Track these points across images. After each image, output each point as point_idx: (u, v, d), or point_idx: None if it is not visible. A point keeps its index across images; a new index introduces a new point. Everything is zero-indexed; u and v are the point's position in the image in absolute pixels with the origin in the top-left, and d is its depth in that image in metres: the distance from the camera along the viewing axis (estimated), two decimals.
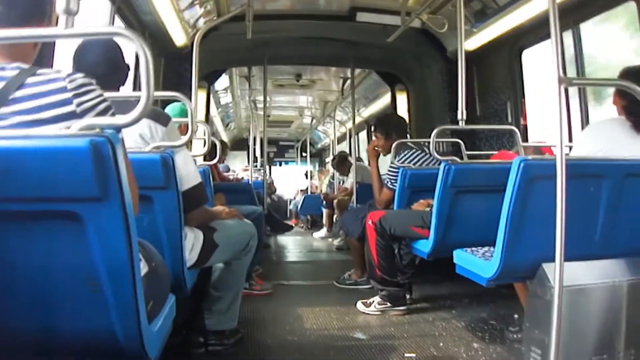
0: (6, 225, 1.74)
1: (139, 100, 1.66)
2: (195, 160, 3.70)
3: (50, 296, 1.82)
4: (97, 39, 3.07)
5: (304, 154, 19.16)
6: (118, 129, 1.76)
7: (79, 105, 1.82)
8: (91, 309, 1.82)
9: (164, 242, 2.92)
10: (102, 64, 3.04)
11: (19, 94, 1.79)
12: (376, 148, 5.81)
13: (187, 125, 4.00)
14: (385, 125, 5.79)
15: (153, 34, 6.11)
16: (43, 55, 3.01)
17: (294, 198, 17.38)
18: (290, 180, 21.49)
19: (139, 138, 3.11)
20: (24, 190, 1.67)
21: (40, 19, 2.00)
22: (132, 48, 1.67)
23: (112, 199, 1.67)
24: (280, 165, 24.54)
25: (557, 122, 2.74)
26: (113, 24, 5.07)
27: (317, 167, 22.70)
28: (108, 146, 1.62)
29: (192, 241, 3.31)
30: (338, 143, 16.25)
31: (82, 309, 1.83)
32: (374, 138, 5.94)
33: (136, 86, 5.53)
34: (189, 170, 3.26)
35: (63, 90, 1.83)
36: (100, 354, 1.96)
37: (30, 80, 1.82)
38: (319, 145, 22.92)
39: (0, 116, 1.77)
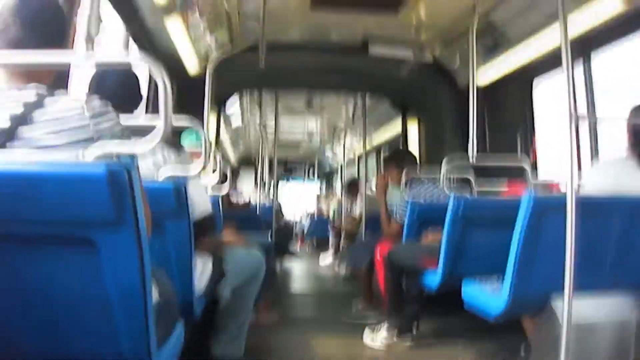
0: (21, 248, 1.74)
1: (151, 127, 1.68)
2: (206, 189, 3.72)
3: (61, 319, 1.83)
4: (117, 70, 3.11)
5: (311, 176, 19.14)
6: (134, 155, 1.77)
7: (96, 131, 1.83)
8: (102, 333, 1.83)
9: (175, 269, 2.93)
10: (118, 90, 3.07)
11: (37, 117, 1.81)
12: (386, 180, 5.82)
13: (200, 152, 4.04)
14: (399, 159, 5.82)
15: (166, 61, 6.14)
16: (60, 77, 3.03)
17: (300, 221, 17.35)
18: (298, 200, 21.44)
19: (152, 164, 3.13)
20: (39, 214, 1.68)
21: (60, 42, 2.03)
22: (147, 74, 1.70)
23: (127, 225, 1.67)
24: (287, 180, 24.45)
25: (568, 157, 2.76)
26: (128, 51, 5.11)
27: (324, 189, 22.68)
28: (124, 173, 1.63)
29: (201, 269, 3.33)
30: (347, 167, 16.25)
31: (93, 333, 1.84)
32: (382, 171, 5.95)
33: (148, 111, 5.57)
34: (200, 199, 3.29)
35: (81, 115, 1.84)
36: None
37: (48, 103, 1.84)
38: (327, 169, 22.91)
39: (19, 139, 1.79)
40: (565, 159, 2.79)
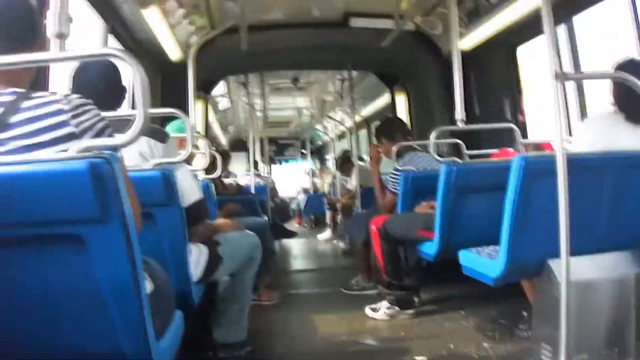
0: (9, 251, 1.73)
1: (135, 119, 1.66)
2: (196, 175, 3.71)
3: (56, 318, 1.82)
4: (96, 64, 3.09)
5: (304, 152, 19.12)
6: (116, 149, 1.76)
7: (77, 125, 1.81)
8: (98, 329, 1.82)
9: (169, 258, 2.93)
10: (99, 84, 3.05)
11: (15, 119, 1.78)
12: (379, 151, 5.81)
13: (186, 139, 4.03)
14: (390, 129, 5.80)
15: (148, 52, 6.11)
16: (38, 78, 3.01)
17: (296, 197, 17.36)
18: (292, 179, 21.45)
19: (139, 156, 3.12)
20: (25, 216, 1.66)
21: (31, 42, 1.99)
22: (126, 67, 1.67)
23: (114, 219, 1.66)
24: (280, 163, 24.48)
25: (556, 117, 2.75)
26: (106, 44, 5.07)
27: (317, 165, 22.69)
28: (107, 167, 1.61)
29: (197, 256, 3.32)
30: (338, 140, 16.22)
31: (89, 330, 1.83)
32: (374, 142, 5.93)
33: (134, 105, 5.56)
34: (189, 186, 3.27)
35: (60, 112, 1.81)
36: None
37: (26, 104, 1.81)
38: (319, 143, 22.89)
39: None
40: (552, 119, 2.78)
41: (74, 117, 1.82)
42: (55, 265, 1.75)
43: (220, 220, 4.08)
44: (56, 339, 1.85)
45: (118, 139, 1.74)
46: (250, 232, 4.06)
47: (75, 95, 1.89)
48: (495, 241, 3.28)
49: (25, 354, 1.87)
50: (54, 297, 1.78)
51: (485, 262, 3.46)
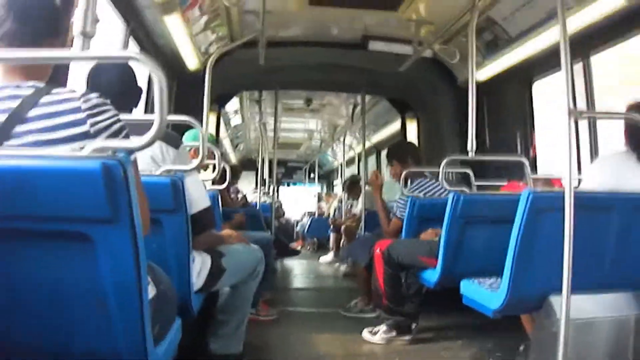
0: (16, 243, 1.74)
1: (151, 123, 1.67)
2: (204, 184, 3.72)
3: (57, 314, 1.82)
4: (113, 65, 3.11)
5: (311, 175, 19.14)
6: (130, 151, 1.77)
7: (92, 125, 1.82)
8: (98, 329, 1.82)
9: (172, 265, 2.93)
10: (116, 85, 3.06)
11: (33, 113, 1.80)
12: (392, 174, 5.82)
13: (199, 149, 4.04)
14: (402, 152, 5.83)
15: (166, 58, 6.15)
16: (58, 73, 3.02)
17: (301, 220, 17.35)
18: (298, 202, 21.49)
19: (151, 160, 3.13)
20: (35, 209, 1.67)
21: (54, 36, 2.01)
22: (145, 71, 1.68)
23: (123, 221, 1.67)
24: (288, 185, 24.57)
25: (567, 154, 2.75)
26: (127, 46, 5.11)
27: (324, 190, 22.71)
28: (120, 169, 1.62)
29: (200, 265, 3.34)
30: (347, 166, 16.24)
31: (89, 329, 1.83)
32: (381, 168, 5.95)
33: (148, 109, 5.57)
34: (198, 194, 3.29)
35: (77, 110, 1.83)
36: None
37: (44, 99, 1.83)
38: (327, 168, 22.94)
39: (15, 135, 1.78)
40: (563, 156, 2.79)
41: (90, 116, 1.83)
42: (61, 261, 1.75)
43: (226, 231, 4.09)
44: (54, 334, 1.85)
45: (134, 141, 1.75)
46: (255, 246, 4.07)
47: (93, 94, 1.90)
48: (497, 273, 3.29)
49: (22, 347, 1.87)
50: (57, 293, 1.79)
51: (486, 294, 3.45)
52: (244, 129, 14.36)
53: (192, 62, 6.61)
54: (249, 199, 11.04)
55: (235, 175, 8.85)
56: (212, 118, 8.37)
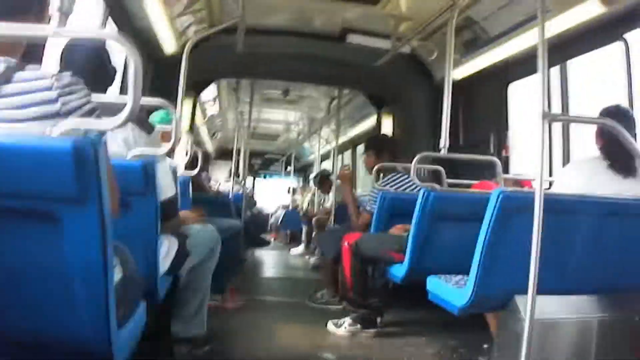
0: None
1: (124, 105, 1.66)
2: (175, 170, 3.71)
3: (21, 295, 1.81)
4: (90, 42, 3.08)
5: (288, 168, 19.14)
6: (102, 132, 1.75)
7: (64, 104, 1.81)
8: (62, 310, 1.81)
9: (140, 248, 2.88)
10: (90, 64, 3.03)
11: (4, 89, 1.79)
12: (366, 165, 5.83)
13: (170, 133, 4.02)
14: (379, 145, 5.86)
15: (144, 40, 6.11)
16: (34, 50, 3.00)
17: (275, 212, 17.36)
18: (273, 194, 21.50)
19: (123, 143, 3.12)
20: (3, 187, 1.66)
21: (24, 12, 1.99)
22: (121, 51, 1.67)
23: (91, 201, 1.66)
24: (265, 177, 24.57)
25: (539, 156, 2.77)
26: (105, 26, 5.07)
27: (301, 183, 22.70)
28: (91, 149, 1.61)
29: (167, 248, 3.33)
30: (323, 160, 16.24)
31: (53, 310, 1.83)
32: (365, 157, 5.96)
33: (123, 90, 5.53)
34: (166, 182, 3.29)
35: (49, 88, 1.82)
36: (68, 356, 1.94)
37: (17, 76, 1.82)
38: (305, 161, 22.93)
39: None
40: (535, 158, 2.81)
41: (61, 95, 1.83)
42: (26, 240, 1.75)
43: (185, 212, 4.08)
44: (15, 317, 1.84)
45: (106, 122, 1.74)
46: (211, 226, 4.11)
47: (67, 74, 1.89)
48: (464, 271, 3.29)
49: None
50: (20, 272, 1.78)
51: (452, 291, 3.46)
52: (221, 117, 14.31)
53: (169, 45, 6.58)
54: (222, 187, 11.02)
55: (207, 161, 8.82)
56: (188, 104, 8.33)
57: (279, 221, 14.92)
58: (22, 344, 1.90)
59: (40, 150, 1.62)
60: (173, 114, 3.41)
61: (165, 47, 6.55)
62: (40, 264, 1.76)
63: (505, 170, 5.83)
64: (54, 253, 1.72)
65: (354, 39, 6.98)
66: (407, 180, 5.28)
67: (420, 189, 4.14)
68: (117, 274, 2.03)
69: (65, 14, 1.74)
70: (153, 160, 2.95)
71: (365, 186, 11.48)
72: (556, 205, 2.92)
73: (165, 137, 4.29)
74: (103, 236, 1.70)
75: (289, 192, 17.85)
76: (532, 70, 2.92)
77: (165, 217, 3.26)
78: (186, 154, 4.57)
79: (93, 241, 1.70)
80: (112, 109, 2.01)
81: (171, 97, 5.69)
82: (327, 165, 16.46)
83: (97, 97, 2.04)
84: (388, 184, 5.38)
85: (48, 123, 1.77)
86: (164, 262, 3.28)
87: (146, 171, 2.86)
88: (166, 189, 3.29)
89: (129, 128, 3.13)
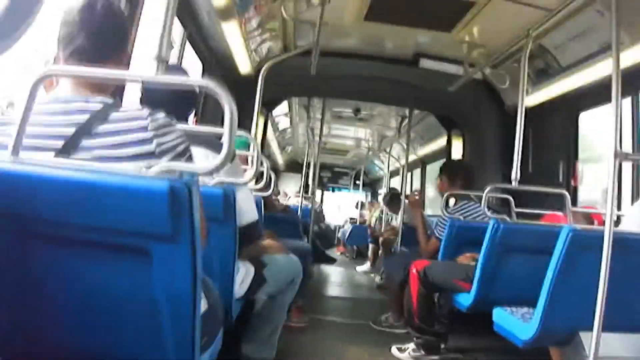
0: (78, 251, 1.84)
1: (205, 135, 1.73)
2: (252, 192, 3.80)
3: (111, 323, 1.91)
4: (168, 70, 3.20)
5: (357, 182, 19.11)
6: (195, 174, 1.84)
7: (158, 145, 1.91)
8: (149, 340, 1.90)
9: (217, 273, 2.99)
10: (172, 94, 3.14)
11: (102, 128, 1.89)
12: (440, 189, 5.85)
13: (245, 156, 4.14)
14: (454, 171, 5.87)
15: (219, 61, 6.24)
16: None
17: (343, 226, 17.37)
18: (342, 208, 21.47)
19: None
20: (99, 221, 1.76)
21: (120, 54, 2.13)
22: (215, 95, 1.75)
23: (183, 240, 1.74)
24: (333, 191, 24.55)
25: (609, 195, 2.79)
26: (184, 48, 5.21)
27: (369, 198, 22.64)
28: (185, 191, 1.69)
29: (244, 274, 3.43)
30: (392, 176, 16.17)
31: (140, 339, 1.92)
32: (438, 180, 5.97)
33: (198, 115, 5.66)
34: (248, 207, 3.37)
35: (144, 129, 1.91)
36: None
37: (113, 115, 1.92)
38: (374, 176, 22.87)
39: (82, 148, 1.87)
40: (607, 197, 2.82)
41: (156, 136, 1.92)
42: (118, 273, 1.84)
43: (268, 242, 4.15)
44: (108, 343, 1.95)
45: (200, 166, 1.83)
46: (295, 257, 4.11)
47: (161, 115, 1.99)
48: (530, 302, 3.34)
49: (75, 351, 1.96)
50: (112, 303, 1.88)
51: (518, 324, 3.50)
52: (292, 131, 14.41)
53: (244, 66, 6.69)
54: (292, 202, 11.08)
55: (276, 177, 8.92)
56: (261, 122, 8.45)
57: (346, 236, 14.90)
58: None
59: (137, 190, 1.71)
60: (252, 141, 3.51)
61: (240, 68, 6.66)
62: (131, 296, 1.86)
63: (574, 200, 5.80)
64: (144, 286, 1.81)
65: (426, 63, 7.02)
66: (477, 209, 5.28)
67: (490, 219, 4.18)
68: (202, 306, 2.10)
69: (162, 61, 1.83)
70: (234, 187, 3.04)
71: (433, 207, 11.46)
72: (625, 244, 2.94)
73: (242, 159, 4.41)
74: (193, 272, 1.78)
75: (357, 206, 17.79)
76: (604, 99, 2.94)
77: (247, 240, 3.36)
78: (261, 177, 4.65)
79: (183, 276, 1.78)
80: (194, 137, 2.11)
81: (244, 115, 5.83)
82: (396, 182, 16.37)
83: (180, 126, 2.14)
84: (458, 211, 5.38)
85: (142, 163, 1.85)
86: (240, 288, 3.38)
87: (227, 198, 2.93)
88: (247, 214, 3.37)
89: (211, 156, 3.21)
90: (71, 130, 1.88)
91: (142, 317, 1.87)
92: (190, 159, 2.05)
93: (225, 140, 1.72)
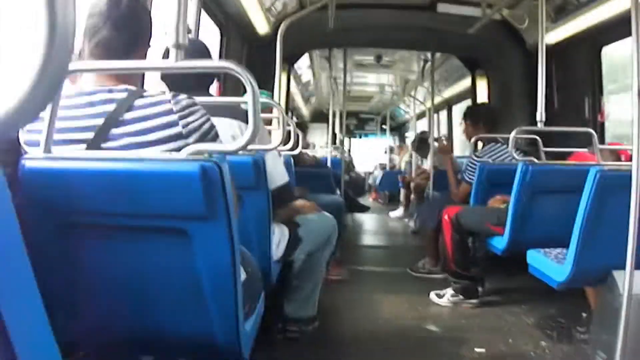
0: (121, 237, 1.91)
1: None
2: (280, 154, 3.84)
3: (156, 302, 2.00)
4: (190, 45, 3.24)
5: (383, 127, 19.03)
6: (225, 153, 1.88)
7: (185, 126, 1.96)
8: (193, 315, 1.98)
9: (253, 238, 3.06)
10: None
11: (128, 116, 1.94)
12: (465, 135, 5.87)
13: (270, 117, 4.20)
14: (477, 115, 5.90)
15: (236, 23, 6.25)
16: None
17: (372, 172, 17.38)
18: (370, 154, 21.40)
19: (231, 139, 3.26)
20: (136, 208, 1.83)
21: (143, 44, 2.18)
22: (235, 73, 1.79)
23: (219, 218, 1.79)
24: (360, 137, 24.47)
25: (635, 136, 2.78)
26: (200, 15, 5.21)
27: (396, 142, 22.57)
28: (216, 170, 1.74)
29: (279, 237, 3.50)
30: (418, 119, 16.09)
31: (185, 315, 2.00)
32: (463, 125, 5.98)
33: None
34: (277, 170, 3.42)
35: (169, 112, 1.96)
36: (199, 354, 2.14)
37: (138, 102, 1.97)
38: (399, 120, 22.77)
39: (111, 137, 1.93)
40: (633, 136, 2.81)
41: (181, 117, 1.97)
42: (159, 254, 1.92)
43: (300, 202, 4.20)
44: (154, 320, 2.04)
45: (228, 145, 1.87)
46: (328, 215, 4.15)
47: (183, 96, 2.04)
48: (563, 242, 3.38)
49: (124, 332, 2.05)
50: (156, 283, 1.96)
51: (552, 265, 3.54)
52: (315, 83, 14.38)
53: (262, 27, 6.68)
54: (320, 153, 11.10)
55: (303, 131, 8.94)
56: (283, 78, 8.46)
57: (377, 182, 14.90)
58: (158, 342, 2.10)
59: (169, 174, 1.77)
60: (276, 106, 3.55)
61: (257, 29, 6.66)
62: (173, 275, 1.94)
63: (601, 137, 5.78)
64: (185, 264, 1.88)
65: (444, 8, 6.99)
66: (505, 151, 5.29)
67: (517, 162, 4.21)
68: (242, 275, 2.17)
69: (181, 48, 1.86)
70: (262, 154, 3.09)
71: (462, 148, 11.45)
72: None
73: (266, 122, 4.45)
74: (231, 247, 1.85)
75: (386, 152, 17.74)
76: (626, 33, 2.89)
77: (279, 203, 3.42)
78: (287, 136, 4.68)
79: (222, 253, 1.85)
80: (215, 109, 2.15)
81: (266, 74, 5.86)
82: (422, 124, 16.33)
83: (201, 99, 2.18)
84: (487, 154, 5.40)
85: (171, 145, 1.93)
86: (277, 250, 3.46)
87: (257, 166, 2.98)
88: (277, 177, 3.42)
89: (236, 124, 3.23)
90: (99, 121, 1.94)
91: (187, 293, 1.94)
92: (216, 136, 2.11)
93: (250, 118, 1.76)
